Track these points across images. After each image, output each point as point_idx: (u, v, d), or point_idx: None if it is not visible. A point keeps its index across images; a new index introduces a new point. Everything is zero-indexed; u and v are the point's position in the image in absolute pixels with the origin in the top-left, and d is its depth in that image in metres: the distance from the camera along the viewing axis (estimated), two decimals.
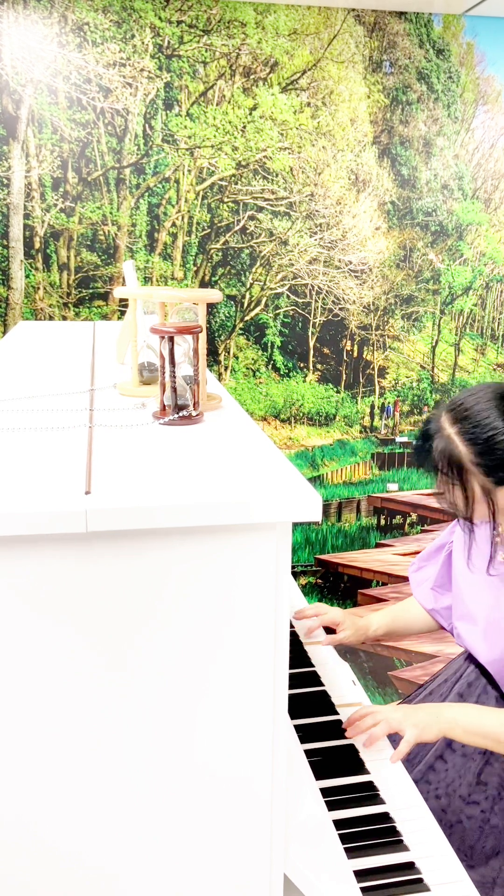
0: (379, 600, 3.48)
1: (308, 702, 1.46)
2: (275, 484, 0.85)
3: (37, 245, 3.11)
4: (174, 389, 1.10)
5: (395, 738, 1.37)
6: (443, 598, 1.63)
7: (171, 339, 1.09)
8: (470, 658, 1.60)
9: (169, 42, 3.04)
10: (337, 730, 1.37)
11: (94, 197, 3.11)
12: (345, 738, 1.35)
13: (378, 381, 3.52)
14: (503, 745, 1.33)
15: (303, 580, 3.54)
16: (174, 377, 1.10)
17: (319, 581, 3.56)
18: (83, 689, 0.85)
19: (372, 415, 3.54)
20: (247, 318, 3.34)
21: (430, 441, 1.35)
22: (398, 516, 3.61)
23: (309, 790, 1.14)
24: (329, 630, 1.73)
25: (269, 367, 3.41)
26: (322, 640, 1.68)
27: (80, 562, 0.81)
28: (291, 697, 1.45)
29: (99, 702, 0.85)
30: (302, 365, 3.43)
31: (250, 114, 3.16)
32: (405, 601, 1.75)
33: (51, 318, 3.18)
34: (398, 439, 3.58)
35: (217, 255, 3.26)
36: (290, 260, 3.31)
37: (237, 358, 3.37)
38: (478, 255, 3.48)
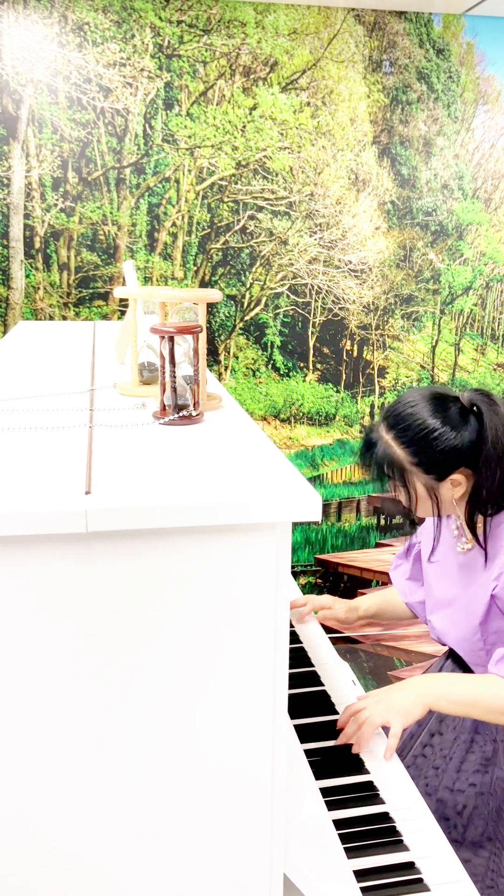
0: None
1: (308, 702, 1.46)
2: (275, 484, 0.85)
3: (37, 245, 3.11)
4: (174, 389, 1.10)
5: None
6: (416, 593, 1.68)
7: (171, 339, 1.09)
8: (447, 655, 1.63)
9: (169, 42, 3.04)
10: (336, 729, 1.37)
11: (94, 197, 3.11)
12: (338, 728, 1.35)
13: (378, 381, 3.52)
14: (489, 713, 1.34)
15: (303, 580, 3.54)
16: (174, 377, 1.10)
17: (319, 581, 3.56)
18: (83, 688, 0.85)
19: (372, 414, 3.54)
20: (247, 317, 3.34)
21: (372, 450, 1.42)
22: (398, 516, 3.61)
23: (309, 790, 1.14)
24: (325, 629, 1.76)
25: (269, 366, 3.41)
26: (321, 633, 1.71)
27: (80, 562, 0.81)
28: (291, 697, 1.46)
29: (99, 702, 0.85)
30: (302, 365, 3.43)
31: (250, 113, 3.16)
32: (390, 587, 1.78)
33: (51, 318, 3.18)
34: None
35: (217, 254, 3.26)
36: (289, 260, 3.31)
37: (237, 358, 3.37)
38: (478, 255, 3.48)
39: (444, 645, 1.63)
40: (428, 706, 1.32)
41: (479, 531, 1.41)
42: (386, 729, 1.34)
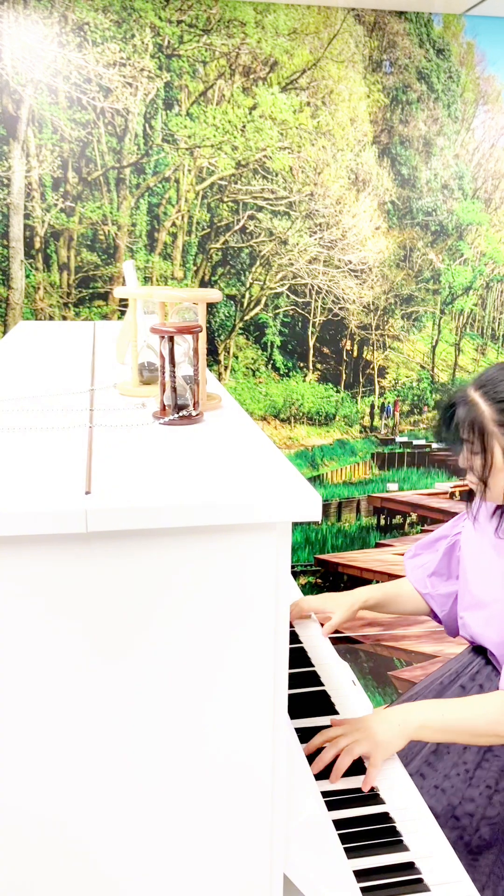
0: None
1: (308, 702, 1.46)
2: (275, 484, 0.85)
3: (37, 245, 3.11)
4: (174, 389, 1.10)
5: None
6: (440, 586, 1.64)
7: (171, 339, 1.09)
8: (475, 650, 1.60)
9: (169, 42, 3.04)
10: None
11: (94, 197, 3.11)
12: (307, 752, 1.30)
13: (378, 381, 3.52)
14: (476, 737, 1.31)
15: (303, 580, 3.54)
16: (174, 377, 1.10)
17: (319, 581, 3.56)
18: (83, 689, 0.84)
19: (372, 415, 3.54)
20: (246, 317, 3.34)
21: (453, 409, 1.37)
22: (398, 516, 3.61)
23: (309, 790, 1.14)
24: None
25: (269, 366, 3.41)
26: (321, 633, 1.70)
27: (79, 562, 0.81)
28: (291, 697, 1.45)
29: (99, 702, 0.85)
30: (302, 365, 3.43)
31: (250, 113, 3.16)
32: (399, 580, 1.75)
33: (51, 318, 3.18)
34: (398, 439, 3.58)
35: (217, 254, 3.26)
36: (289, 259, 3.31)
37: (237, 358, 3.37)
38: (478, 255, 3.48)
39: (473, 644, 1.60)
40: (409, 737, 1.28)
41: None
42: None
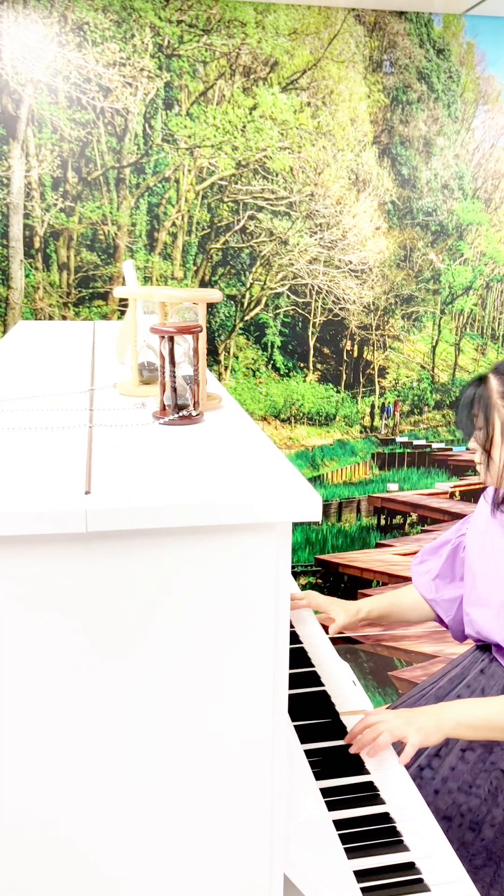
0: None
1: (308, 702, 1.46)
2: (275, 484, 0.85)
3: (37, 245, 3.11)
4: (174, 389, 1.10)
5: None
6: (444, 590, 1.65)
7: (171, 339, 1.09)
8: (479, 649, 1.61)
9: (169, 42, 3.04)
10: (336, 730, 1.37)
11: (94, 197, 3.11)
12: (346, 741, 1.34)
13: (378, 381, 3.52)
14: None
15: (303, 580, 3.54)
16: (174, 377, 1.10)
17: (319, 581, 3.56)
18: (83, 689, 0.84)
19: (372, 415, 3.54)
20: (247, 317, 3.34)
21: (469, 387, 1.46)
22: (398, 516, 3.61)
23: (309, 790, 1.14)
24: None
25: (269, 366, 3.40)
26: (321, 633, 1.70)
27: (80, 562, 0.81)
28: (291, 697, 1.45)
29: (98, 703, 0.85)
30: (302, 365, 3.43)
31: (250, 113, 3.15)
32: (403, 588, 1.76)
33: (51, 317, 3.18)
34: (398, 439, 3.58)
35: (217, 254, 3.25)
36: (290, 260, 3.31)
37: (237, 358, 3.37)
38: (478, 255, 3.48)
39: (478, 642, 1.60)
40: (446, 734, 1.31)
41: None
42: (399, 746, 1.33)
